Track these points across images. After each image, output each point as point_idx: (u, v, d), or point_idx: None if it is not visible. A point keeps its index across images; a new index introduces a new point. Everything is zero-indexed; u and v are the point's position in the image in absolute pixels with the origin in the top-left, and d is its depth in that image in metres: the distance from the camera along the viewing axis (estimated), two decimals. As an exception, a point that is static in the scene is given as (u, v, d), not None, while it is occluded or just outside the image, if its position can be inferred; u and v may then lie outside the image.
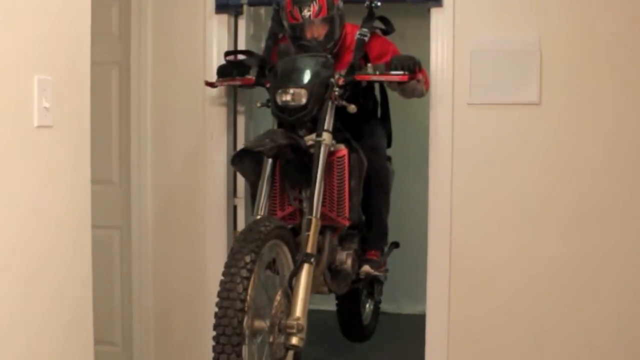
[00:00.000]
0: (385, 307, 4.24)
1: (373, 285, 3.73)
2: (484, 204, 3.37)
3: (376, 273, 3.24)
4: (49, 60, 2.00)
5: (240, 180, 3.57)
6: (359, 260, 3.24)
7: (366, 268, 3.21)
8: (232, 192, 3.66)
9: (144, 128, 3.66)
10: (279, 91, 2.86)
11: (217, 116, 3.61)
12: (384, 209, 3.32)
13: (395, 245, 3.63)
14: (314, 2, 3.09)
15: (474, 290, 3.35)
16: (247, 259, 2.38)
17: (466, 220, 3.36)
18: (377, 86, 3.49)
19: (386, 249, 3.46)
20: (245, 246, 2.41)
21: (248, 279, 2.35)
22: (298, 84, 2.85)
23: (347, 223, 2.94)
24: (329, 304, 3.84)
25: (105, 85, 3.64)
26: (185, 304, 3.61)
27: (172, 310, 3.65)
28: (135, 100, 3.65)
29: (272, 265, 2.70)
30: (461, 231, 3.35)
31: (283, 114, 2.88)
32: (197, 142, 3.61)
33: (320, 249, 2.89)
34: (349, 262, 3.11)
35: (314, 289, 2.86)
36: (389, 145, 3.49)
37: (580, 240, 3.27)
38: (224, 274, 2.38)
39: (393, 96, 3.47)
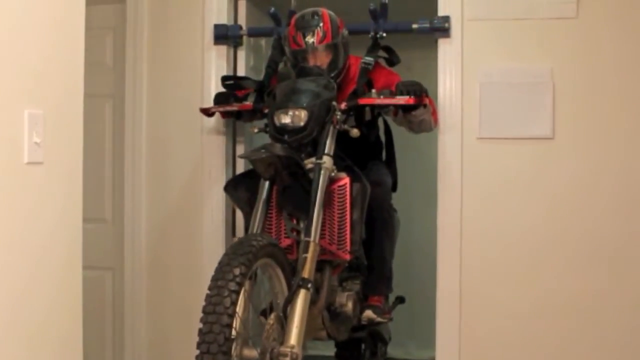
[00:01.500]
0: (392, 352, 4.12)
1: (376, 343, 3.61)
2: (494, 243, 3.37)
3: (380, 319, 3.16)
4: (40, 93, 2.00)
5: (240, 219, 3.54)
6: (361, 304, 3.18)
7: (368, 314, 3.14)
8: (231, 231, 3.67)
9: (138, 163, 3.67)
10: (278, 112, 2.84)
11: (216, 151, 3.63)
12: (388, 252, 3.26)
13: (401, 300, 3.57)
14: (319, 28, 3.11)
15: (486, 334, 3.35)
16: (237, 271, 2.28)
17: (476, 261, 3.36)
18: (381, 125, 3.48)
19: (390, 296, 3.40)
20: (234, 259, 2.31)
21: (237, 292, 2.24)
22: (297, 104, 2.83)
23: (348, 257, 2.88)
24: (329, 348, 3.75)
25: (99, 119, 3.67)
26: (181, 350, 3.52)
27: (166, 356, 3.63)
28: (130, 134, 3.68)
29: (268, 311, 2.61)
30: (471, 272, 3.35)
31: (282, 136, 2.83)
32: (195, 178, 3.63)
33: (318, 288, 2.84)
34: (350, 304, 3.06)
35: (312, 333, 2.82)
36: (394, 189, 3.44)
37: (594, 277, 3.26)
38: (210, 287, 2.28)
39: (399, 132, 3.46)
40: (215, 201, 3.60)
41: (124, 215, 3.68)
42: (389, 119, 3.43)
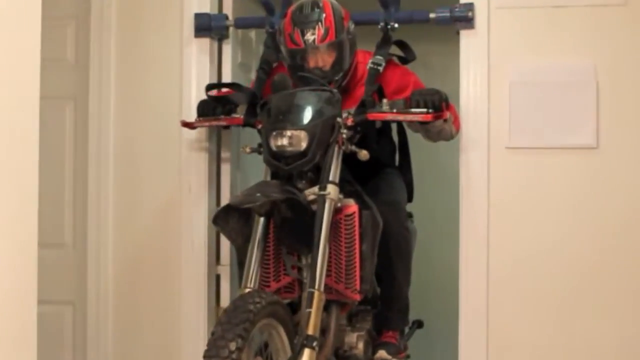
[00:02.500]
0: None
1: None
2: (527, 275, 3.37)
3: None
4: (-14, 95, 2.00)
5: (225, 243, 3.59)
6: (373, 343, 3.21)
7: (382, 354, 3.16)
8: (215, 258, 3.66)
9: (104, 178, 3.67)
10: (274, 134, 2.88)
11: (197, 164, 3.62)
12: (403, 280, 3.30)
13: (419, 324, 3.61)
14: (320, 24, 3.11)
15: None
16: (232, 346, 2.34)
17: (507, 291, 3.37)
18: (394, 127, 3.52)
19: (407, 329, 3.44)
20: (229, 330, 2.38)
21: None
22: (296, 124, 2.87)
23: (357, 297, 2.92)
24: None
25: (58, 125, 3.67)
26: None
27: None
28: (94, 144, 3.68)
29: (263, 351, 2.67)
30: (500, 304, 3.36)
31: (278, 161, 2.88)
32: (172, 197, 3.63)
33: (324, 330, 2.87)
34: (361, 345, 3.08)
35: None
36: (409, 199, 3.49)
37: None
38: None
39: (415, 138, 3.48)
40: (195, 224, 3.61)
41: (87, 239, 3.67)
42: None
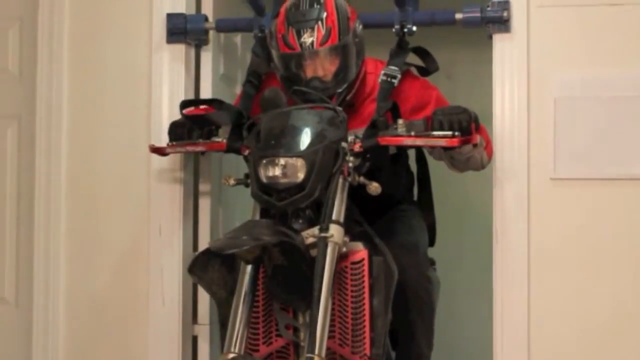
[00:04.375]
0: None
1: None
2: (578, 336, 3.35)
3: None
4: None
5: (204, 297, 3.59)
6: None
7: None
8: (191, 316, 3.67)
9: (55, 217, 3.66)
10: (264, 162, 2.88)
11: (168, 199, 3.61)
12: (424, 342, 3.30)
13: None
14: (320, 23, 3.10)
15: None
16: None
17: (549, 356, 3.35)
18: (412, 153, 3.52)
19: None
20: None
21: None
22: (292, 150, 2.87)
23: None
24: None
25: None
26: None
27: None
28: (43, 172, 3.67)
29: None
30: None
31: (269, 196, 2.87)
32: (138, 240, 3.63)
33: None
34: None
35: None
36: (431, 242, 3.49)
37: None
38: None
39: (437, 167, 3.48)
40: (167, 273, 3.60)
41: (33, 294, 3.65)
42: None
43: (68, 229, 3.67)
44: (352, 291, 2.89)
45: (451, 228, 3.81)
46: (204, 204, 3.70)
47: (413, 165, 3.59)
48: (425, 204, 3.54)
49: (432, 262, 3.47)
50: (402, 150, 3.34)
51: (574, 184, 3.36)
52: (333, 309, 2.84)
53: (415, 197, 3.58)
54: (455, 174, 3.41)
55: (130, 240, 3.65)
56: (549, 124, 3.36)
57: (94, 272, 3.66)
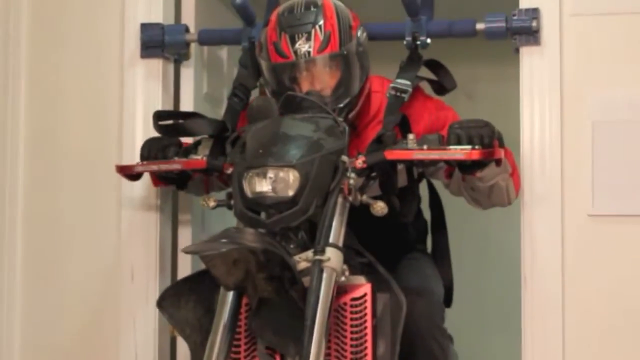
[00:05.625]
0: None
1: None
2: None
3: None
4: None
5: (184, 352, 3.50)
6: None
7: None
8: None
9: (9, 254, 3.66)
10: (250, 174, 2.82)
11: (143, 236, 3.60)
12: None
13: None
14: (317, 28, 3.07)
15: None
16: None
17: None
18: (425, 195, 3.48)
19: None
20: None
21: None
22: (282, 160, 2.82)
23: None
24: None
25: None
26: None
27: None
28: None
29: None
30: None
31: (256, 213, 2.82)
32: (106, 284, 3.62)
33: None
34: None
35: None
36: (447, 302, 3.45)
37: None
38: None
39: (454, 205, 3.45)
40: (140, 325, 3.57)
41: None
42: (438, 183, 3.41)
43: (24, 271, 3.66)
44: (352, 333, 2.84)
45: (472, 276, 3.88)
46: (185, 236, 3.70)
47: (426, 214, 3.57)
48: (441, 257, 3.51)
49: (450, 339, 3.36)
50: (414, 184, 3.22)
51: (615, 222, 3.33)
52: (329, 354, 2.80)
53: (429, 250, 3.57)
54: (476, 211, 3.37)
55: (96, 286, 3.63)
56: (586, 151, 3.34)
57: (54, 323, 3.63)
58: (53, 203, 3.66)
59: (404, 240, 3.35)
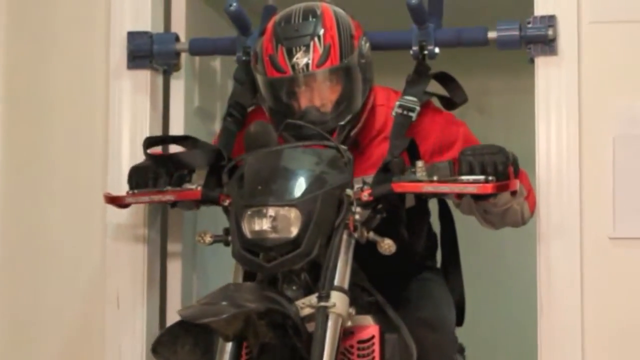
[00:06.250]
0: None
1: None
2: None
3: None
4: None
5: None
6: None
7: None
8: None
9: None
10: (248, 213, 2.81)
11: (129, 263, 3.59)
12: None
13: None
14: (317, 40, 3.06)
15: None
16: None
17: None
18: (434, 205, 3.49)
19: None
20: None
21: None
22: (283, 198, 2.80)
23: None
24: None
25: None
26: None
27: None
28: None
29: None
30: None
31: (255, 255, 2.81)
32: (90, 314, 3.61)
33: None
34: None
35: None
36: (459, 321, 3.45)
37: None
38: None
39: (465, 223, 3.47)
40: (126, 357, 3.57)
41: None
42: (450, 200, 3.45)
43: (2, 300, 3.65)
44: (358, 379, 2.86)
45: (484, 300, 3.92)
46: (174, 269, 3.68)
47: (435, 225, 3.57)
48: (452, 273, 3.50)
49: (461, 349, 3.43)
50: (422, 202, 3.27)
51: (639, 245, 3.32)
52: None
53: (439, 264, 3.56)
54: (488, 231, 3.39)
55: (80, 316, 3.62)
56: (607, 169, 3.34)
57: (35, 354, 3.63)
58: (33, 225, 3.66)
59: (412, 259, 3.30)
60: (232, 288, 2.80)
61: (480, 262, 3.79)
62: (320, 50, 3.05)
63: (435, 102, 3.32)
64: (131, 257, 3.58)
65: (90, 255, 3.60)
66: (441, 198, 3.38)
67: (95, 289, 3.60)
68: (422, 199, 3.21)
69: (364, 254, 2.93)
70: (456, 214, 3.46)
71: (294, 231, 2.77)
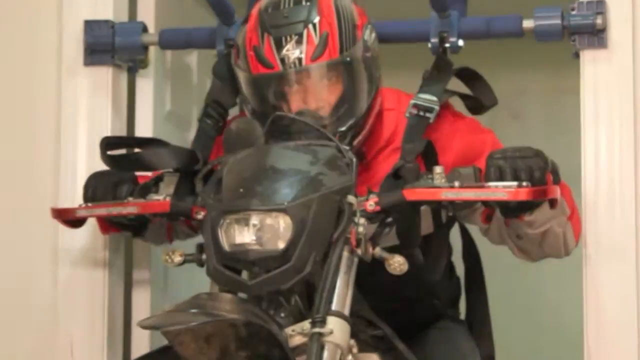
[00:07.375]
0: None
1: None
2: None
3: None
4: None
5: None
6: None
7: None
8: None
9: None
10: (227, 220, 2.72)
11: (86, 297, 3.53)
12: None
13: None
14: (310, 28, 2.97)
15: None
16: None
17: None
18: (457, 243, 3.47)
19: None
20: None
21: None
22: (271, 202, 2.72)
23: None
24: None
25: None
26: None
27: None
28: None
29: None
30: None
31: (235, 272, 2.72)
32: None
33: None
34: None
35: None
36: None
37: None
38: None
39: (490, 253, 3.36)
40: None
41: None
42: (474, 227, 3.35)
43: None
44: None
45: (517, 347, 3.72)
46: (141, 301, 3.64)
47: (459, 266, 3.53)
48: (478, 323, 3.44)
49: None
50: (443, 230, 3.20)
51: None
52: None
53: (459, 309, 3.54)
54: (523, 263, 3.27)
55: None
56: None
57: None
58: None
59: (430, 305, 3.26)
60: (205, 297, 2.74)
61: (513, 302, 3.77)
62: (316, 40, 2.97)
63: (459, 106, 3.25)
64: (88, 289, 3.50)
65: (38, 288, 3.56)
66: (463, 220, 3.26)
67: (44, 334, 3.55)
68: (442, 224, 3.08)
69: (371, 293, 2.88)
70: (482, 245, 3.40)
71: (283, 242, 2.67)
